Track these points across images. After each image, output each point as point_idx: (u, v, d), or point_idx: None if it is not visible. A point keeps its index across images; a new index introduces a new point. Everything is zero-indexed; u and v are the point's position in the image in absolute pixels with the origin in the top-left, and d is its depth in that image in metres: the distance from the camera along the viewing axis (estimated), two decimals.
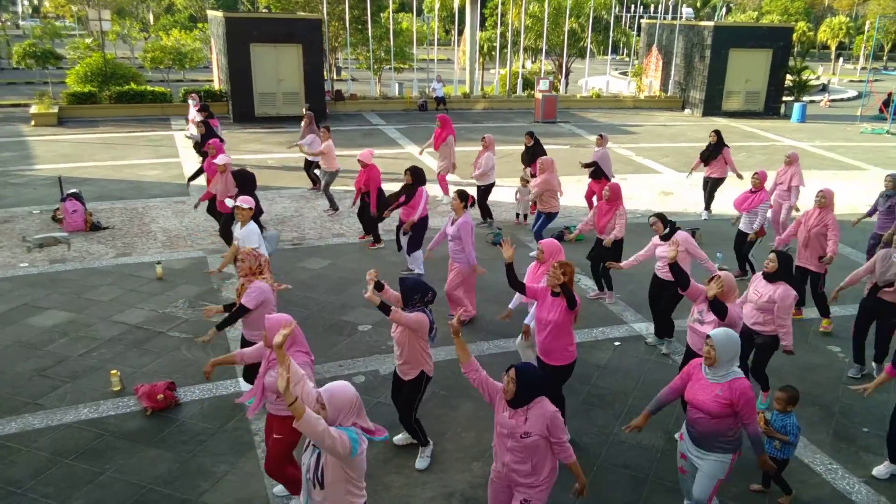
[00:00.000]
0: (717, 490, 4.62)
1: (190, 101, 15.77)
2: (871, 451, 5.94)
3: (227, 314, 5.97)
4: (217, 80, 24.06)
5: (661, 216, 7.37)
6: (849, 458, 5.89)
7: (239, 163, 14.76)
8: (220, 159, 9.49)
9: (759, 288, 6.20)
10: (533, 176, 11.84)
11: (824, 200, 7.95)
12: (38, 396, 6.52)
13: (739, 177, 12.06)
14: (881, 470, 5.64)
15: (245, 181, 8.54)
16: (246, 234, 7.34)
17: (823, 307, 8.17)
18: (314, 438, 3.52)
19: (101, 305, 8.44)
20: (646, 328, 8.18)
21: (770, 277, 6.13)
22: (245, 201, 7.45)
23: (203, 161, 10.88)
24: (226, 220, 9.46)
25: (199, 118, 13.83)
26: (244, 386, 6.77)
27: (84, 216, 10.94)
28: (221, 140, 12.24)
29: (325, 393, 3.64)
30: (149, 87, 21.85)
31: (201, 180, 11.00)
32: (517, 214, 12.02)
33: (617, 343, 7.87)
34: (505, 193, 13.11)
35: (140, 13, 44.89)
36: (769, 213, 9.73)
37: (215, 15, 22.73)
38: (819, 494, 5.46)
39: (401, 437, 5.96)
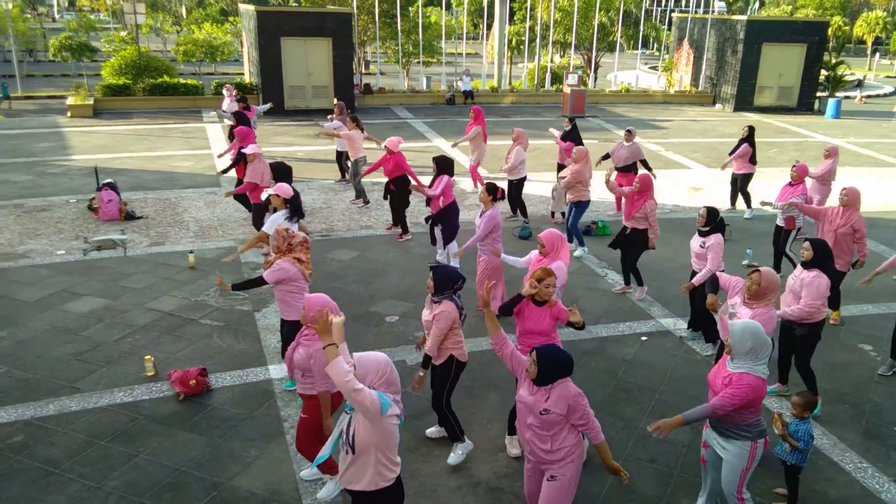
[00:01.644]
0: (744, 481, 4.57)
1: (224, 91, 15.97)
2: None
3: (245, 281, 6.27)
4: (248, 73, 24.33)
5: (711, 211, 7.23)
6: (879, 458, 5.82)
7: (269, 155, 14.94)
8: (249, 148, 9.62)
9: (795, 274, 6.25)
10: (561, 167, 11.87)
11: (847, 199, 7.74)
12: (75, 380, 6.70)
13: (722, 168, 12.38)
14: None
15: (282, 173, 8.64)
16: (271, 223, 7.49)
17: (835, 301, 8.08)
18: (341, 387, 3.69)
19: (135, 293, 8.63)
20: (674, 323, 8.14)
21: (808, 265, 6.11)
22: (280, 189, 7.58)
23: (233, 153, 11.03)
24: (258, 210, 9.60)
25: (234, 108, 13.99)
26: (274, 373, 6.90)
27: (119, 206, 11.17)
28: (251, 126, 12.33)
29: (358, 357, 3.82)
30: (181, 80, 22.16)
31: (231, 173, 11.20)
32: (552, 213, 11.92)
33: (644, 338, 7.85)
34: (535, 188, 13.09)
35: (173, 7, 45.48)
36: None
37: (247, 9, 22.97)
38: (848, 493, 5.40)
39: (433, 430, 5.99)
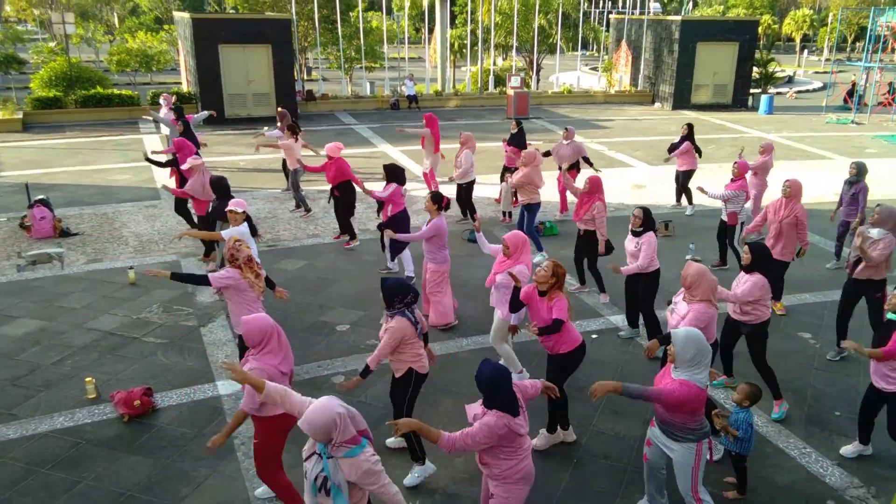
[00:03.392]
0: (697, 481, 4.64)
1: (161, 101, 15.54)
2: (843, 434, 6.07)
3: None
4: (185, 81, 23.78)
5: (645, 212, 7.33)
6: (822, 442, 6.02)
7: (210, 165, 14.62)
8: (187, 163, 9.35)
9: (739, 279, 6.30)
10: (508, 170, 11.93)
11: (790, 191, 8.02)
12: (12, 406, 6.40)
13: (665, 161, 12.63)
14: (848, 450, 5.80)
15: (221, 189, 8.38)
16: (240, 231, 7.18)
17: (778, 292, 8.33)
18: (285, 408, 3.67)
19: (73, 312, 8.31)
20: (622, 320, 8.26)
21: (747, 269, 6.18)
22: (238, 204, 7.37)
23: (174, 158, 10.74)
24: (202, 222, 9.32)
25: (169, 114, 13.66)
26: (222, 389, 6.73)
27: (53, 223, 10.75)
28: (197, 144, 12.08)
29: (303, 424, 3.49)
30: (115, 91, 21.53)
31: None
32: (503, 213, 11.98)
33: (594, 336, 7.95)
34: (482, 190, 13.13)
35: (104, 16, 44.11)
36: (748, 204, 9.90)
37: (182, 16, 22.45)
38: (794, 478, 5.57)
39: (393, 441, 5.90)
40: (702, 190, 9.52)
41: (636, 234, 7.36)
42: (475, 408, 4.21)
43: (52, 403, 6.46)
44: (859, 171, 9.47)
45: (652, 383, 6.40)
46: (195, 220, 9.84)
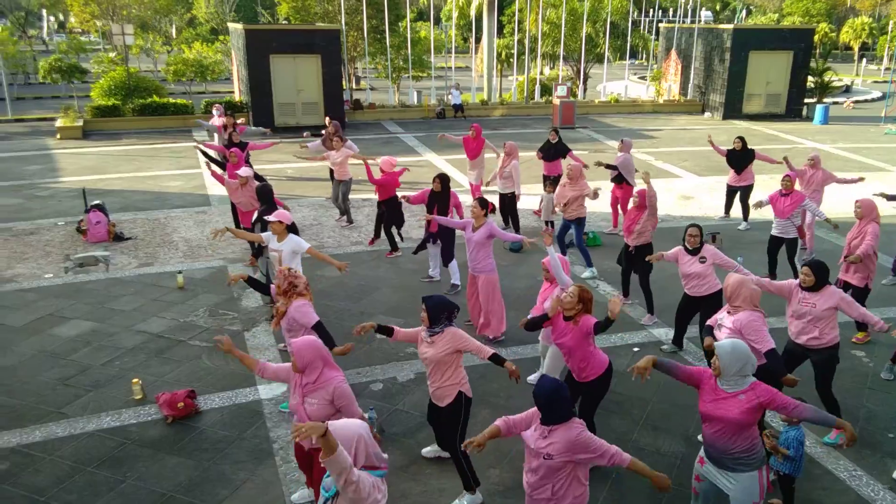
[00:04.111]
0: None
1: (214, 111, 15.96)
2: None
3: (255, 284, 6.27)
4: (238, 91, 24.37)
5: (700, 228, 7.13)
6: (873, 465, 5.78)
7: (259, 173, 14.92)
8: (243, 171, 9.57)
9: (807, 301, 5.86)
10: (550, 181, 11.82)
11: (860, 211, 7.68)
12: (62, 405, 6.62)
13: (780, 162, 11.63)
14: None
15: (263, 194, 8.50)
16: (295, 244, 7.19)
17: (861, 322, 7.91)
18: (337, 478, 3.33)
19: (123, 315, 8.56)
20: (665, 334, 8.10)
21: (811, 289, 5.85)
22: (282, 216, 7.29)
23: (225, 165, 11.00)
24: (249, 230, 9.49)
25: (220, 122, 14.01)
26: (263, 393, 6.84)
27: (107, 227, 11.12)
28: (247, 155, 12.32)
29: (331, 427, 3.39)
30: (171, 100, 22.18)
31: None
32: (546, 223, 11.87)
33: (636, 349, 7.81)
34: (523, 200, 13.05)
35: (163, 27, 45.57)
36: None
37: (236, 27, 23.03)
38: (842, 501, 5.36)
39: (429, 450, 5.83)
40: (831, 222, 9.05)
41: (694, 252, 7.10)
42: (530, 436, 4.13)
43: (99, 403, 6.67)
44: None
45: (695, 397, 6.26)
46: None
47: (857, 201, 7.82)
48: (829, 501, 5.37)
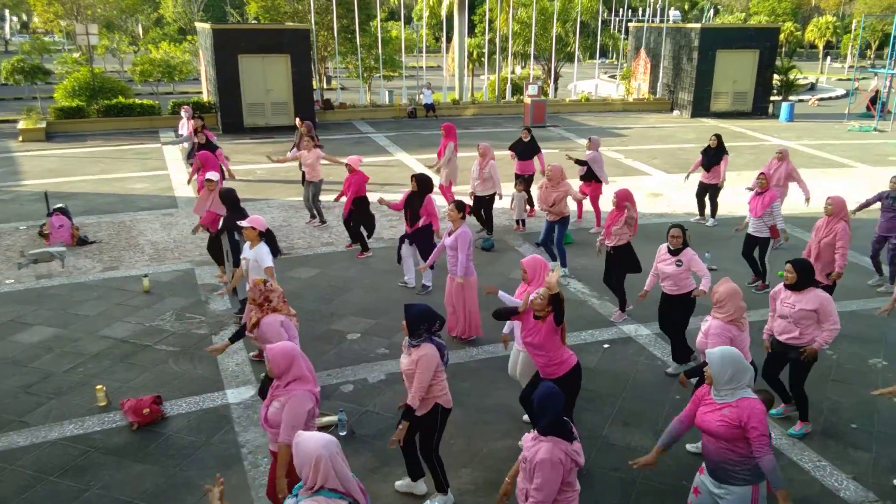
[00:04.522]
0: None
1: (182, 113, 15.74)
2: (860, 448, 5.93)
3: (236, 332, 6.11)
4: (206, 91, 24.06)
5: (683, 229, 7.06)
6: (837, 455, 5.88)
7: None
8: (210, 175, 9.38)
9: (787, 300, 5.91)
10: (521, 180, 11.86)
11: (832, 208, 7.69)
12: (23, 414, 6.47)
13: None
14: None
15: (228, 199, 8.31)
16: (258, 255, 6.99)
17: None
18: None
19: (87, 320, 8.39)
20: (635, 330, 8.17)
21: (793, 288, 5.89)
22: (255, 221, 7.13)
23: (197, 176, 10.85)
24: (214, 237, 9.31)
25: (190, 127, 13.84)
26: (231, 398, 6.74)
27: (71, 231, 10.89)
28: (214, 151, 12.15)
29: (293, 445, 3.30)
30: (137, 101, 21.83)
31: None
32: (517, 222, 11.90)
33: (606, 345, 7.86)
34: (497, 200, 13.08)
35: (129, 27, 44.79)
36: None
37: (203, 27, 22.74)
38: (807, 492, 5.44)
39: (401, 484, 5.54)
40: (784, 233, 9.06)
41: (674, 252, 7.04)
42: (527, 440, 4.06)
43: (62, 411, 6.52)
44: None
45: (663, 392, 6.33)
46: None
47: (828, 198, 7.83)
48: (795, 493, 5.43)
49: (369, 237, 10.54)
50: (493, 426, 6.35)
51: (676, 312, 7.14)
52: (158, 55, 26.62)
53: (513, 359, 6.36)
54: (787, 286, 5.92)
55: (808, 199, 10.70)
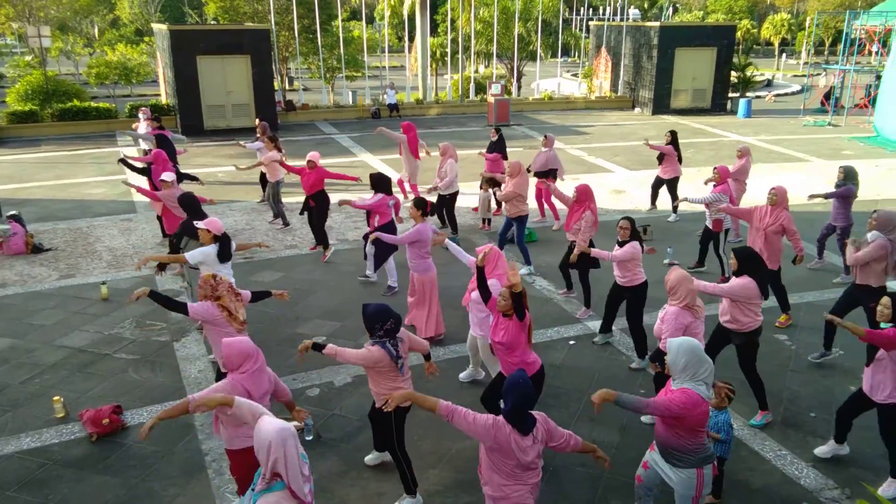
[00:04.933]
0: None
1: (140, 115, 15.42)
2: (819, 436, 6.06)
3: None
4: (164, 93, 23.65)
5: (632, 222, 7.23)
6: (797, 444, 6.00)
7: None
8: (166, 175, 9.24)
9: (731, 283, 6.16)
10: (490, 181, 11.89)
11: (776, 198, 7.89)
12: None
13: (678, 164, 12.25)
14: (823, 449, 5.78)
15: (188, 204, 8.16)
16: (196, 255, 6.90)
17: (784, 302, 8.22)
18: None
19: (43, 330, 8.17)
20: (599, 326, 8.23)
21: (737, 274, 6.06)
22: (211, 224, 7.01)
23: (150, 173, 10.63)
24: (171, 238, 9.17)
25: (148, 129, 13.60)
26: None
27: (25, 238, 10.59)
28: (174, 156, 11.96)
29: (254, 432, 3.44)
30: (93, 104, 21.35)
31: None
32: (482, 221, 11.93)
33: (572, 342, 7.91)
34: (460, 199, 13.09)
35: (84, 28, 43.79)
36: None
37: (160, 28, 22.34)
38: (769, 481, 5.55)
39: (372, 457, 5.71)
40: (685, 199, 9.41)
41: (621, 244, 7.21)
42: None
43: (18, 424, 6.33)
44: (846, 175, 9.36)
45: (629, 387, 6.40)
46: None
47: (772, 189, 8.02)
48: (757, 481, 5.55)
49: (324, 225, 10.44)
50: None
51: (629, 306, 7.30)
52: (115, 57, 26.08)
53: (469, 341, 6.71)
54: (734, 273, 6.16)
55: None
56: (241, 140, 13.72)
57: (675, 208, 12.19)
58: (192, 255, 6.89)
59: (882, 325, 5.25)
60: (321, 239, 10.46)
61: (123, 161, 10.54)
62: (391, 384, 5.05)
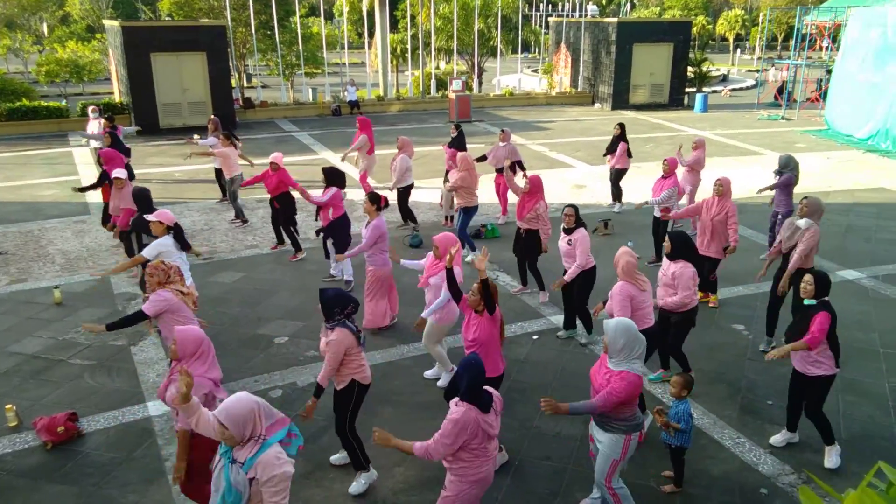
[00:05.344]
0: (614, 471, 4.74)
1: (90, 114, 15.03)
2: (776, 423, 6.20)
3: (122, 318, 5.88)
4: (118, 91, 23.08)
5: (576, 209, 7.49)
6: (755, 431, 6.14)
7: (145, 177, 14.20)
8: (117, 172, 9.05)
9: (665, 269, 6.49)
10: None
11: (722, 189, 8.15)
12: None
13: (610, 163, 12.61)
14: (777, 439, 5.93)
15: (140, 199, 8.02)
16: (150, 246, 6.88)
17: (713, 285, 8.57)
18: (199, 428, 3.83)
19: None
20: (562, 321, 8.30)
21: (670, 257, 6.40)
22: (163, 216, 7.00)
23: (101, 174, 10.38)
24: (125, 235, 8.99)
25: (99, 128, 13.31)
26: (153, 410, 6.49)
27: None
28: (127, 154, 11.76)
29: (221, 413, 3.50)
30: (43, 103, 20.72)
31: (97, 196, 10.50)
32: (445, 217, 11.95)
33: (535, 336, 7.96)
34: (424, 194, 13.10)
35: (33, 25, 42.48)
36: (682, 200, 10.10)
37: (112, 24, 21.78)
38: (728, 468, 5.66)
39: (338, 457, 5.73)
40: (645, 203, 9.72)
41: (568, 231, 7.42)
42: (451, 404, 4.31)
43: None
44: (783, 164, 9.73)
45: (585, 377, 6.43)
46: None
47: (717, 180, 8.28)
48: (717, 469, 5.66)
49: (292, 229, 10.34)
50: (426, 423, 6.30)
51: (578, 286, 7.52)
52: (65, 55, 25.35)
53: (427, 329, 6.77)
54: (666, 255, 6.46)
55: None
56: (195, 136, 13.47)
57: (618, 197, 12.61)
58: (149, 251, 6.81)
59: (805, 301, 5.49)
60: (292, 242, 10.27)
61: (79, 190, 10.46)
62: (357, 363, 5.22)
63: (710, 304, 8.53)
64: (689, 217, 8.85)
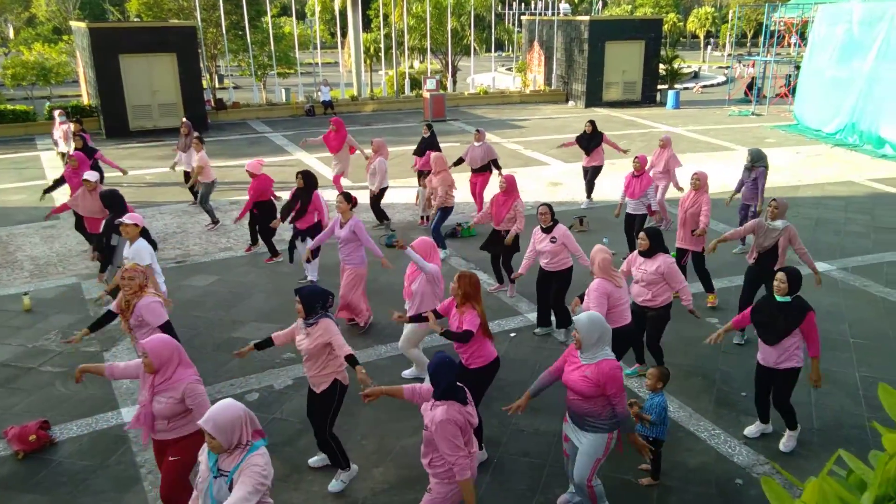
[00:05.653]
0: (595, 470, 4.75)
1: (56, 117, 14.77)
2: (750, 414, 6.27)
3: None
4: (86, 94, 22.70)
5: (550, 207, 7.54)
6: (730, 423, 6.21)
7: (114, 180, 13.97)
8: (89, 175, 8.90)
9: (641, 266, 6.50)
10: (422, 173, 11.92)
11: (699, 183, 8.35)
12: None
13: (624, 152, 13.13)
14: (751, 430, 6.01)
15: (111, 201, 7.89)
16: (136, 251, 6.75)
17: (708, 283, 8.56)
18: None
19: None
20: (537, 318, 8.33)
21: (646, 254, 6.45)
22: (135, 218, 6.96)
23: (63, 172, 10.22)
24: (98, 240, 8.85)
25: (68, 130, 13.13)
26: (127, 416, 6.39)
27: None
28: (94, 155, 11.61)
29: (208, 423, 3.44)
30: (9, 106, 20.32)
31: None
32: (421, 217, 11.95)
33: (513, 334, 7.98)
34: (399, 194, 13.06)
35: None
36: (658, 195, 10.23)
37: (79, 26, 21.42)
38: (704, 460, 5.73)
39: (316, 459, 5.69)
40: (659, 215, 10.07)
41: (547, 230, 7.42)
42: (424, 408, 4.36)
43: None
44: (754, 157, 9.90)
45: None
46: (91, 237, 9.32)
47: (694, 174, 8.48)
48: (693, 461, 5.72)
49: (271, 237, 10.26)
50: (404, 423, 6.31)
51: (557, 284, 7.60)
52: (32, 57, 24.82)
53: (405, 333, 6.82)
54: (640, 253, 6.50)
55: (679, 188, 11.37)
56: (176, 161, 13.23)
57: (589, 193, 12.85)
58: (140, 258, 6.64)
59: (777, 297, 5.54)
60: (268, 248, 10.17)
61: (45, 192, 10.28)
62: (339, 361, 5.23)
63: (710, 304, 8.53)
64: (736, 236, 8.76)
